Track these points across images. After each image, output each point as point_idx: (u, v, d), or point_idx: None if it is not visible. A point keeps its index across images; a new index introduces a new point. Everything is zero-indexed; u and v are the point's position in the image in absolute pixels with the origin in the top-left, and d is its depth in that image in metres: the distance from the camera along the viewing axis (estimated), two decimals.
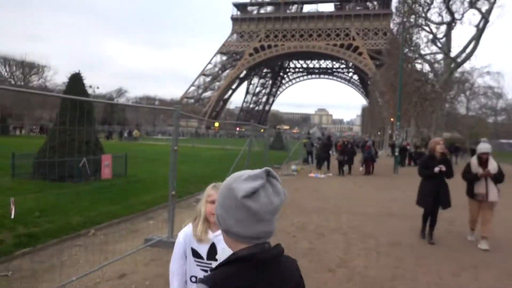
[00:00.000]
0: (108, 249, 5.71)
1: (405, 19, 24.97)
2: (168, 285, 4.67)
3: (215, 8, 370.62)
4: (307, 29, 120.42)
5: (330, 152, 18.75)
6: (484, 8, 21.28)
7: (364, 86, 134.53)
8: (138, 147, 31.36)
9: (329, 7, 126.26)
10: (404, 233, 7.33)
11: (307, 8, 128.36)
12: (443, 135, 23.69)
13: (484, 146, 6.45)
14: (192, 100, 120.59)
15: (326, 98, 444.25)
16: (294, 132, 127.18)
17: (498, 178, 6.27)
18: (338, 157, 17.55)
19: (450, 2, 22.46)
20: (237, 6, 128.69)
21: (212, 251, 1.95)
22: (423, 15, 24.33)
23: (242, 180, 1.06)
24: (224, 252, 1.81)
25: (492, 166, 6.30)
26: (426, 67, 26.34)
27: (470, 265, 5.48)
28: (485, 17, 21.07)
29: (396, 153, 19.98)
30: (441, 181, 6.46)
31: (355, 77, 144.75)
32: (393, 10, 30.89)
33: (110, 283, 4.45)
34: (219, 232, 1.95)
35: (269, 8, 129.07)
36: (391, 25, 32.37)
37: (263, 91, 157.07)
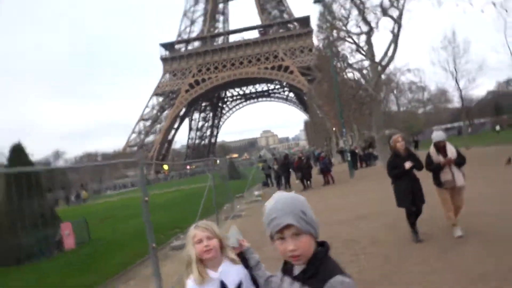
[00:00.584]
0: None
1: (328, 35, 26.70)
2: None
3: (141, 51, 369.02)
4: (237, 58, 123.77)
5: (290, 170, 19.12)
6: (395, 14, 23.39)
7: (301, 101, 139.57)
8: (89, 209, 29.62)
9: (253, 34, 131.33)
10: (379, 232, 7.64)
11: (233, 38, 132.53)
12: (385, 133, 25.18)
13: (438, 134, 6.44)
14: (135, 148, 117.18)
15: (269, 119, 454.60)
16: (243, 159, 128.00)
17: (459, 162, 6.24)
18: (297, 176, 17.93)
19: (365, 14, 24.41)
20: (165, 46, 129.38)
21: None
22: (344, 28, 26.16)
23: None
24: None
25: (451, 151, 6.28)
26: (357, 74, 28.20)
27: (450, 248, 5.83)
28: (398, 22, 23.14)
29: (348, 158, 20.85)
30: (413, 177, 6.38)
31: (291, 94, 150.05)
32: (315, 27, 32.98)
33: None
34: (221, 268, 1.97)
35: (196, 44, 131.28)
36: (316, 41, 34.50)
37: (206, 124, 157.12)
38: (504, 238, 5.74)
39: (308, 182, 18.54)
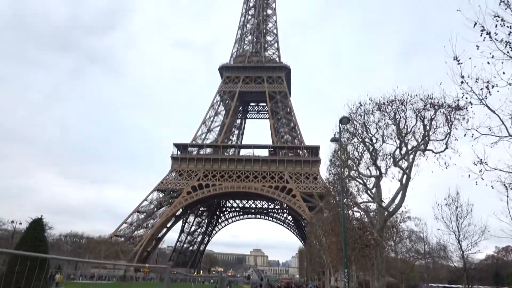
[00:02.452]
0: None
1: (340, 171, 28.12)
2: None
3: (151, 145, 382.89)
4: (244, 171, 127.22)
5: None
6: (405, 166, 24.93)
7: (298, 227, 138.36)
8: None
9: (264, 152, 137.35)
10: None
11: (244, 152, 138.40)
12: (386, 280, 24.46)
13: None
14: (122, 239, 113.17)
15: (262, 238, 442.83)
16: (229, 275, 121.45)
17: None
18: None
19: (376, 160, 26.09)
20: (178, 146, 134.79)
21: None
22: (355, 168, 27.67)
23: None
24: None
25: None
26: (362, 214, 28.69)
27: None
28: (406, 173, 24.54)
29: None
30: None
31: (290, 218, 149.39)
32: (327, 161, 34.84)
33: None
34: None
35: (208, 150, 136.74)
36: (327, 174, 36.03)
37: (199, 230, 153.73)
38: None
39: None
